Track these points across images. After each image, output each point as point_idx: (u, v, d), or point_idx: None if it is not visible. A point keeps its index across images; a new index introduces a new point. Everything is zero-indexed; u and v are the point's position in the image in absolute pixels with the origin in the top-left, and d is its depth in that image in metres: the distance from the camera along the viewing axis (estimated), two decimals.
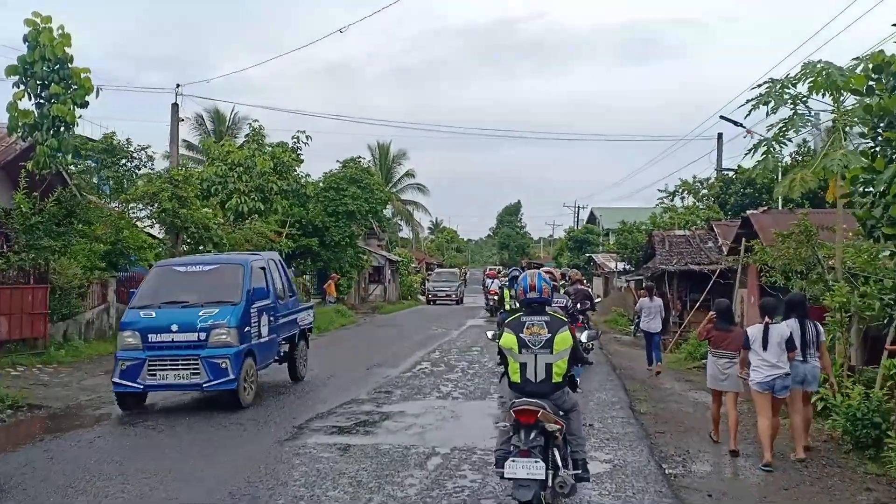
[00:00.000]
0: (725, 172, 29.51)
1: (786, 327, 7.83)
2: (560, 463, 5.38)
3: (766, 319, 7.82)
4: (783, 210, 18.37)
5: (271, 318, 11.05)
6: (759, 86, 10.60)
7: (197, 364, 9.70)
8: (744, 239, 16.51)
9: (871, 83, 8.45)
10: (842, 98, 10.33)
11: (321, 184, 31.85)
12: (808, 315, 8.23)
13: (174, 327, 9.81)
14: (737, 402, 8.46)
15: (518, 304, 5.91)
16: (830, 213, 16.56)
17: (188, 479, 6.82)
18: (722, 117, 21.84)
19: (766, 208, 18.49)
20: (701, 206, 28.20)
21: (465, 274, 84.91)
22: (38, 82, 13.72)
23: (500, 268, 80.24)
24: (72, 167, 22.49)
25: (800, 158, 21.26)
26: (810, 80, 10.19)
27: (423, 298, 44.31)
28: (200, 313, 9.92)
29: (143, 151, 23.27)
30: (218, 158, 24.40)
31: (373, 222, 38.44)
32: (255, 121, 25.22)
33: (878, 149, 8.04)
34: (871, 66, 8.43)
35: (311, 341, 19.72)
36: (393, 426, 9.01)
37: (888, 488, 6.78)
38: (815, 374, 8.08)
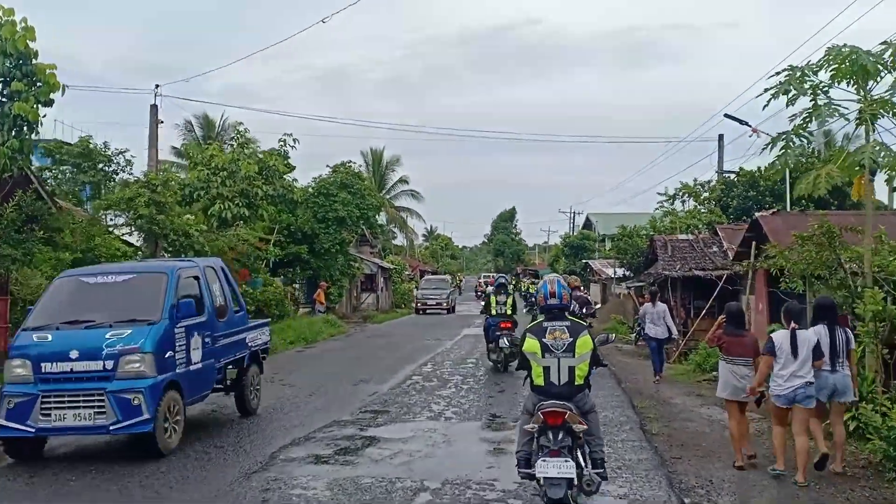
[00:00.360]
0: (727, 175, 28.70)
1: (813, 334, 7.30)
2: (583, 462, 5.58)
3: (793, 325, 7.26)
4: (794, 212, 17.48)
5: (206, 340, 8.92)
6: (778, 73, 9.70)
7: (102, 401, 7.64)
8: (755, 242, 15.59)
9: None
10: (869, 87, 9.49)
11: (311, 189, 30.90)
12: (837, 321, 7.57)
13: (73, 354, 7.79)
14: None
15: (538, 311, 6.19)
16: (848, 214, 15.77)
17: None
18: (727, 115, 20.99)
19: (775, 210, 17.57)
20: (702, 210, 27.31)
21: (461, 281, 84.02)
22: None
23: (495, 275, 79.44)
24: (46, 172, 21.64)
25: (813, 155, 20.35)
26: (833, 66, 9.31)
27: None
28: (108, 336, 7.90)
29: (121, 155, 22.34)
30: (201, 163, 23.40)
31: (364, 229, 37.48)
32: (240, 123, 24.23)
33: None
34: None
35: (296, 353, 19.02)
36: (377, 454, 8.02)
37: None
38: (847, 383, 7.39)
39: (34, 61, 13.09)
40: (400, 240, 72.81)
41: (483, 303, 16.38)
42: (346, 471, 7.32)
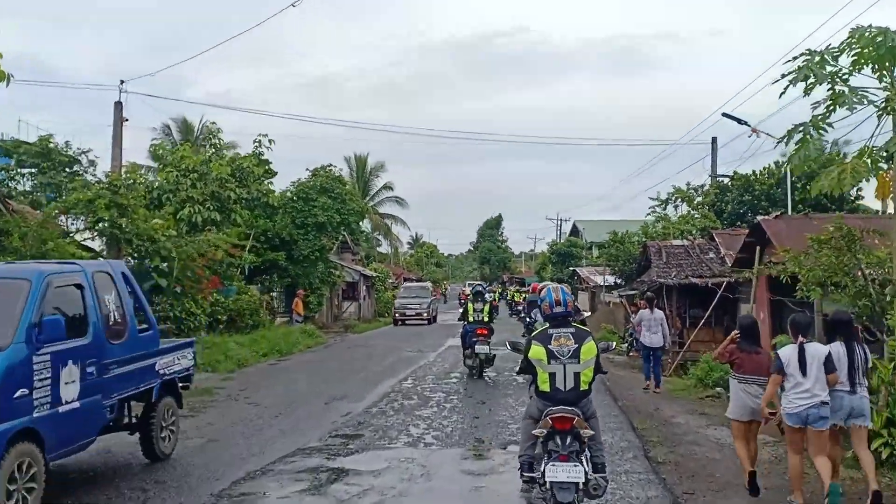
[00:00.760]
0: (720, 179, 27.85)
1: (822, 346, 6.77)
2: (586, 467, 5.60)
3: (801, 339, 6.70)
4: (798, 215, 16.55)
5: (89, 369, 6.74)
6: (794, 58, 8.69)
7: None
8: (759, 248, 14.63)
9: None
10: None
11: (289, 193, 29.70)
12: (855, 337, 6.94)
13: None
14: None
15: (542, 318, 6.27)
16: (856, 218, 14.84)
17: None
18: (725, 114, 20.09)
19: (778, 213, 16.62)
20: (696, 215, 26.40)
21: (446, 289, 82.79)
22: None
23: (482, 282, 78.50)
24: (2, 173, 20.34)
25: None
26: (856, 50, 8.32)
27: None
28: None
29: (83, 155, 21.09)
30: (171, 164, 22.18)
31: (345, 235, 36.32)
32: (213, 123, 23.01)
33: None
34: None
35: (268, 367, 17.80)
36: (343, 492, 6.85)
37: None
38: (865, 406, 6.76)
39: None
40: (385, 247, 71.76)
41: (462, 310, 16.28)
42: None
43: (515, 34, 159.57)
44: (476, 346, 14.70)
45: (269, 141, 23.49)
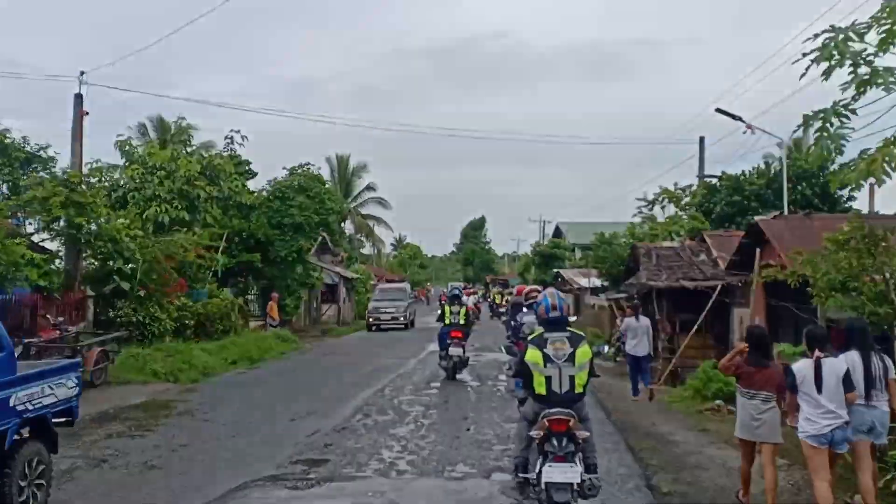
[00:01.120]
0: (708, 179, 27.05)
1: (842, 362, 6.23)
2: (581, 467, 5.74)
3: (817, 353, 6.18)
4: (798, 215, 15.70)
5: None
6: (815, 36, 7.78)
7: None
8: (759, 250, 13.76)
9: None
10: None
11: (265, 193, 28.57)
12: (872, 346, 6.50)
13: None
14: (775, 458, 6.85)
15: (539, 323, 6.38)
16: (875, 218, 14.02)
17: None
18: (717, 110, 19.23)
19: (777, 213, 15.78)
20: (684, 216, 25.57)
21: (430, 291, 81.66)
22: None
23: (466, 284, 77.53)
24: None
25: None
26: (886, 26, 7.43)
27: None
28: None
29: (42, 151, 19.86)
30: (137, 161, 21.01)
31: (324, 236, 35.20)
32: (182, 118, 21.82)
33: None
34: None
35: (236, 376, 16.61)
36: None
37: None
38: (885, 421, 6.39)
39: None
40: (368, 249, 70.57)
41: (439, 312, 16.63)
42: None
43: (495, 39, 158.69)
44: (450, 349, 14.99)
45: (243, 137, 22.34)
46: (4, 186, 19.65)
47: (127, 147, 21.10)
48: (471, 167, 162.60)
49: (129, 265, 17.91)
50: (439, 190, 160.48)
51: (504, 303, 42.14)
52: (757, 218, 14.85)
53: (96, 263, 18.41)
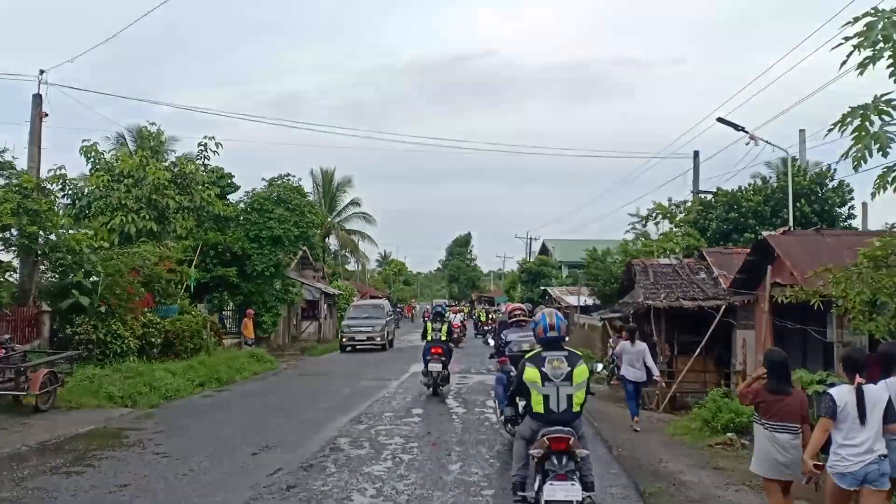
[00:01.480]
0: (703, 195, 26.19)
1: (883, 390, 5.62)
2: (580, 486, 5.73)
3: (858, 379, 5.60)
4: (808, 231, 14.71)
5: None
6: (856, 19, 6.77)
7: None
8: (770, 267, 12.73)
9: None
10: None
11: (242, 204, 27.34)
12: None
13: None
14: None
15: (536, 342, 6.42)
16: (870, 233, 13.05)
17: None
18: (719, 119, 18.32)
19: (786, 229, 14.79)
20: (678, 232, 24.61)
21: (414, 307, 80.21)
22: None
23: (453, 301, 76.31)
24: None
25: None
26: None
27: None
28: None
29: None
30: (103, 168, 19.75)
31: (305, 250, 33.98)
32: (153, 123, 20.56)
33: None
34: None
35: (200, 400, 14.79)
36: None
37: None
38: None
39: None
40: (353, 265, 69.21)
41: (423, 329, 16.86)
42: None
43: (482, 58, 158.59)
44: (430, 365, 15.39)
45: (217, 144, 21.10)
46: None
47: (92, 153, 19.79)
48: (457, 184, 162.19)
49: (91, 278, 16.66)
50: (425, 206, 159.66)
51: (490, 321, 40.98)
52: (765, 233, 13.85)
53: (55, 277, 17.15)
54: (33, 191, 15.42)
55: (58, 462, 9.02)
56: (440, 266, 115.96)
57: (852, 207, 23.93)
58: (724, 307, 15.38)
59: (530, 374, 5.92)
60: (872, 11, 6.76)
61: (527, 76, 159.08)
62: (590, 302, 27.25)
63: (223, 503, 7.22)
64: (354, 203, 59.13)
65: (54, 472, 8.48)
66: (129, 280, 17.52)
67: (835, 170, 24.05)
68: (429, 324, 16.27)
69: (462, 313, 47.51)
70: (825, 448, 5.73)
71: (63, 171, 19.89)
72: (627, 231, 26.65)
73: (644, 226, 26.09)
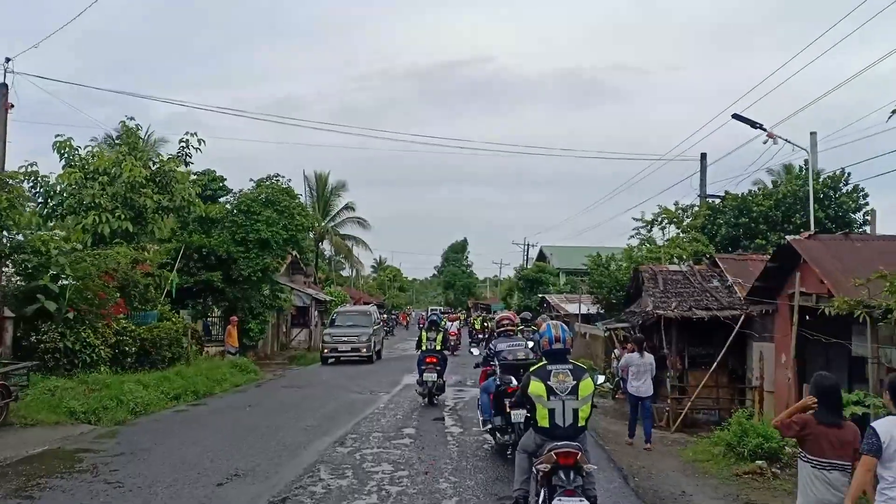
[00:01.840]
0: (711, 199, 25.05)
1: None
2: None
3: None
4: (836, 235, 13.58)
5: None
6: None
7: None
8: (799, 275, 11.57)
9: None
10: None
11: (228, 206, 26.13)
12: None
13: None
14: None
15: (541, 353, 6.35)
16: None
17: None
18: (735, 116, 17.15)
19: (812, 233, 13.64)
20: (685, 238, 23.47)
21: (410, 314, 78.89)
22: None
23: (449, 309, 75.05)
24: None
25: None
26: None
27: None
28: None
29: None
30: (77, 165, 18.53)
31: (295, 255, 32.77)
32: (131, 118, 19.33)
33: None
34: None
35: (172, 415, 13.54)
36: None
37: None
38: None
39: None
40: (348, 271, 67.99)
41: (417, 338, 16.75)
42: None
43: (479, 63, 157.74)
44: (424, 374, 15.30)
45: (199, 141, 19.86)
46: None
47: (66, 149, 18.57)
48: (453, 189, 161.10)
49: (60, 282, 15.45)
50: (420, 212, 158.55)
51: (485, 329, 39.69)
52: (789, 237, 12.69)
53: (19, 280, 15.95)
54: None
55: None
56: (436, 272, 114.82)
57: (867, 213, 22.88)
58: (743, 317, 14.18)
59: (535, 387, 5.85)
60: None
61: (525, 82, 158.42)
62: (592, 310, 26.03)
63: None
64: (349, 207, 58.04)
65: None
66: (102, 284, 16.32)
67: (849, 173, 22.99)
68: (423, 333, 16.11)
69: (459, 321, 46.25)
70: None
71: (35, 168, 18.86)
72: (632, 236, 25.45)
73: (649, 231, 24.92)
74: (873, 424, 4.82)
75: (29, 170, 18.56)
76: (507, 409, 9.42)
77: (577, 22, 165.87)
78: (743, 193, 23.18)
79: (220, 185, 32.52)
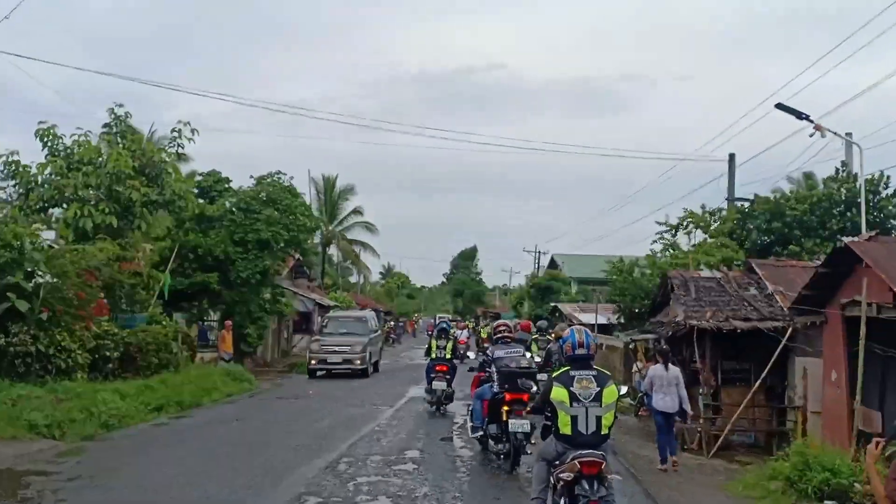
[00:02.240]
0: (739, 203, 23.53)
1: None
2: None
3: None
4: (893, 237, 12.04)
5: None
6: None
7: None
8: (866, 280, 10.05)
9: None
10: None
11: (227, 203, 24.79)
12: None
13: None
14: None
15: (564, 359, 6.29)
16: None
17: None
18: (777, 105, 15.64)
19: (873, 234, 12.12)
20: (714, 243, 21.94)
21: (418, 321, 77.31)
22: None
23: (458, 317, 73.57)
24: None
25: None
26: None
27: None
28: None
29: None
30: (60, 154, 17.23)
31: (298, 257, 31.38)
32: (120, 105, 18.02)
33: None
34: None
35: (150, 429, 12.16)
36: None
37: None
38: None
39: None
40: (356, 276, 66.64)
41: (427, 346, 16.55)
42: None
43: (490, 70, 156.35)
44: (434, 383, 15.14)
45: (192, 131, 18.49)
46: None
47: (49, 137, 17.25)
48: (462, 196, 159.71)
49: (34, 280, 14.14)
50: (429, 218, 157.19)
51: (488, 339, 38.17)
52: (846, 239, 11.17)
53: None
54: None
55: None
56: (444, 280, 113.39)
57: None
58: (790, 330, 12.66)
59: (558, 393, 5.72)
60: None
61: (535, 89, 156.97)
62: (613, 320, 24.47)
63: None
64: (357, 212, 56.79)
65: None
66: (82, 283, 14.96)
67: (888, 176, 21.42)
68: (433, 341, 15.91)
69: (468, 329, 44.87)
70: None
71: (16, 158, 17.57)
72: (654, 241, 23.91)
73: (673, 236, 23.39)
74: None
75: (9, 159, 17.29)
76: (504, 418, 9.30)
77: (591, 30, 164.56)
78: (776, 196, 21.63)
79: (226, 186, 31.30)
